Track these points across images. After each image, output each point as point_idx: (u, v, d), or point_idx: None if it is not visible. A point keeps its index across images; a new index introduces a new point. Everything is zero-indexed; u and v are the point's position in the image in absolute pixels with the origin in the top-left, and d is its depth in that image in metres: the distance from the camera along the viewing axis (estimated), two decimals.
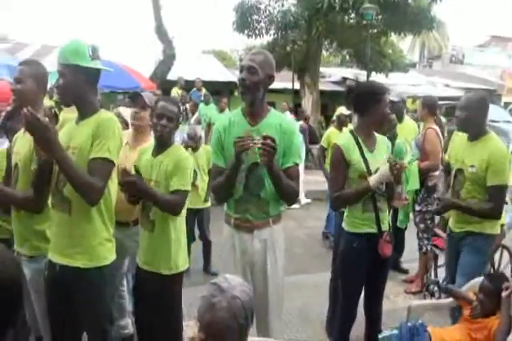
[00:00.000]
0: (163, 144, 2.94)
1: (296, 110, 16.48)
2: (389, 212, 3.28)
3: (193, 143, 5.56)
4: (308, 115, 16.01)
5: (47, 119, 2.33)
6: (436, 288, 4.35)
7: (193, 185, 5.41)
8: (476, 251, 3.44)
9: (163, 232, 2.89)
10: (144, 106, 3.34)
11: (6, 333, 1.45)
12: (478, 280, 3.21)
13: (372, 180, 2.99)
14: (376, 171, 3.05)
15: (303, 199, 9.43)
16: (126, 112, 3.80)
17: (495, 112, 3.68)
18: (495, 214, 3.39)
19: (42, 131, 2.23)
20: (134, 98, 3.41)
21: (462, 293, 3.19)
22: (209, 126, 10.33)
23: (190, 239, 5.72)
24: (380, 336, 3.11)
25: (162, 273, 2.90)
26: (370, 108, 3.07)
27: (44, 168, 2.54)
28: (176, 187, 2.84)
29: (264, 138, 2.50)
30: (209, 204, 5.68)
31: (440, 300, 3.42)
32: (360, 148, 3.06)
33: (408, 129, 5.42)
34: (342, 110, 6.34)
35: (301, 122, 10.03)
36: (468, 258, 3.47)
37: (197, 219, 5.67)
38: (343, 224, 3.20)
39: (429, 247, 4.90)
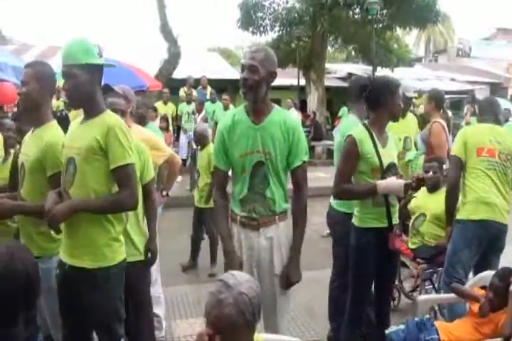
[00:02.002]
0: None
1: (302, 106, 16.53)
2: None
3: (196, 140, 5.85)
4: (314, 111, 16.06)
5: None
6: (397, 293, 4.36)
7: (197, 185, 5.67)
8: None
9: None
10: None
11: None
12: (483, 275, 3.21)
13: (382, 187, 2.97)
14: (388, 167, 3.05)
15: None
16: None
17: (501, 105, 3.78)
18: (449, 187, 3.71)
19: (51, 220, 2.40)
20: (106, 91, 3.39)
21: (467, 292, 3.18)
22: (216, 124, 10.33)
23: (199, 236, 5.80)
24: (387, 331, 3.11)
25: None
26: (385, 101, 3.07)
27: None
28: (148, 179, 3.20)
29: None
30: (211, 205, 5.72)
31: (447, 294, 3.42)
32: (373, 141, 3.06)
33: (410, 125, 5.39)
34: None
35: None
36: None
37: (202, 217, 5.73)
38: (353, 220, 3.19)
39: None
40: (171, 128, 10.73)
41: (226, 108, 10.19)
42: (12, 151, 3.67)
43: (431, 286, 4.18)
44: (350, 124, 3.70)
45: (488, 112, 3.84)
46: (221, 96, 10.77)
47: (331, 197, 3.71)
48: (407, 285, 4.55)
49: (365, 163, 3.04)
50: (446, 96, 7.45)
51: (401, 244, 3.26)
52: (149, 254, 3.21)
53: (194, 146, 8.26)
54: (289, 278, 2.74)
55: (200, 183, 5.67)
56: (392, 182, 2.98)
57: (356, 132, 3.10)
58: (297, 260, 2.76)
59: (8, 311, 1.65)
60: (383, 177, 3.02)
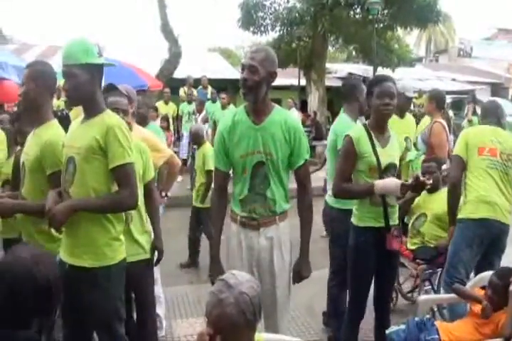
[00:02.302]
0: None
1: (303, 106, 16.53)
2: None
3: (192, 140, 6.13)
4: (315, 111, 16.06)
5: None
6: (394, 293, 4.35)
7: (194, 184, 5.83)
8: None
9: None
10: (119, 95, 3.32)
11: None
12: (483, 276, 3.21)
13: (379, 187, 2.96)
14: (387, 167, 3.05)
15: None
16: None
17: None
18: (451, 186, 3.69)
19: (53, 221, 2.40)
20: (109, 90, 3.38)
21: (468, 292, 3.17)
22: (216, 123, 10.31)
23: (196, 235, 5.82)
24: (387, 331, 3.11)
25: None
26: (369, 102, 3.09)
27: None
28: (149, 179, 3.18)
29: None
30: (208, 204, 5.73)
31: (447, 294, 3.42)
32: (371, 141, 3.05)
33: (410, 125, 5.39)
34: None
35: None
36: None
37: (199, 216, 5.75)
38: (352, 219, 3.19)
39: None
40: (171, 128, 10.73)
41: (224, 107, 10.14)
42: (18, 148, 3.67)
43: (430, 287, 4.18)
44: (343, 123, 3.71)
45: (491, 115, 3.87)
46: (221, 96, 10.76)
47: (326, 195, 3.73)
48: (405, 286, 4.54)
49: (362, 162, 3.04)
50: (447, 96, 7.47)
51: (400, 245, 3.25)
52: (156, 252, 3.21)
53: (194, 146, 8.31)
54: (300, 273, 2.84)
55: (197, 183, 5.75)
56: (390, 182, 2.98)
57: (354, 131, 3.12)
58: (307, 256, 2.85)
59: (22, 313, 1.66)
60: (381, 177, 3.02)
